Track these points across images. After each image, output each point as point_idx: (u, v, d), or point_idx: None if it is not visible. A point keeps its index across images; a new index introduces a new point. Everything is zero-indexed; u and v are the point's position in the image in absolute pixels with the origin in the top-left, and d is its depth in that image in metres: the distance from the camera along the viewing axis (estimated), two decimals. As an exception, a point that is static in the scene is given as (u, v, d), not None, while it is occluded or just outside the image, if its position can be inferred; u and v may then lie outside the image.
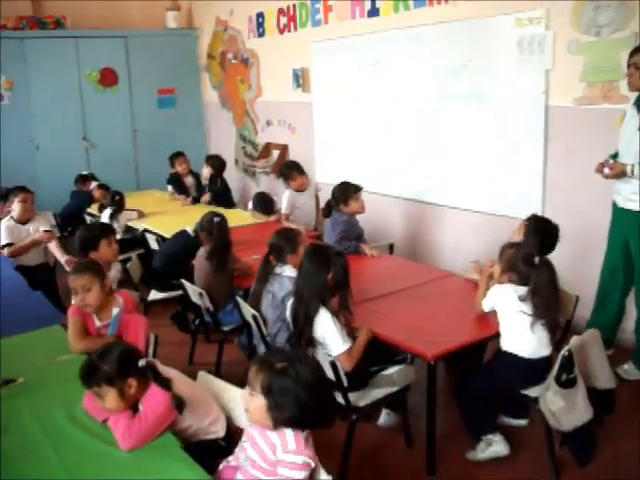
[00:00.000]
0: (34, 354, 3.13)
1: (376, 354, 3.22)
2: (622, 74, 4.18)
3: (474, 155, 5.35)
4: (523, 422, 3.57)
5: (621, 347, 4.28)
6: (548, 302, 3.01)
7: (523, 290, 3.06)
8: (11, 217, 5.25)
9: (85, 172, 7.66)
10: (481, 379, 3.24)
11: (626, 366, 4.09)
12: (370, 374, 3.20)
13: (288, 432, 2.05)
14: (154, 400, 2.32)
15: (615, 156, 3.94)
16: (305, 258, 3.20)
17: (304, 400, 2.00)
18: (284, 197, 5.81)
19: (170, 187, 7.29)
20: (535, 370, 3.09)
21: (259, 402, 2.05)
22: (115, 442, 2.28)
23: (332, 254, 3.16)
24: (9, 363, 3.01)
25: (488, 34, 5.10)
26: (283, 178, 5.91)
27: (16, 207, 5.22)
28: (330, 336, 3.03)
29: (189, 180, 7.34)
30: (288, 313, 3.28)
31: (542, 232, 3.58)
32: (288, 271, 3.65)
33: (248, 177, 8.46)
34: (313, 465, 2.03)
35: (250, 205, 6.03)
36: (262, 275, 3.73)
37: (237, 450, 2.27)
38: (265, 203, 5.89)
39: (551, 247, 3.55)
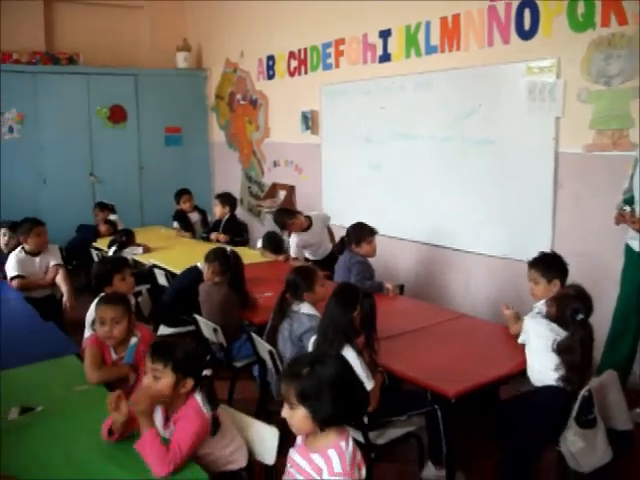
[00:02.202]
0: (51, 383, 3.11)
1: (400, 402, 3.23)
2: (631, 122, 4.27)
3: (484, 199, 5.41)
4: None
5: (632, 390, 4.26)
6: (573, 363, 3.02)
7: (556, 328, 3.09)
8: (22, 249, 5.25)
9: (106, 201, 7.70)
10: (525, 420, 3.17)
11: (638, 410, 4.08)
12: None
13: (333, 455, 2.05)
14: (190, 420, 2.33)
15: (628, 201, 3.99)
16: (333, 296, 3.21)
17: (337, 394, 2.05)
18: (292, 241, 5.77)
19: (176, 223, 7.33)
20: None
21: (300, 413, 2.08)
22: (139, 471, 2.26)
23: (360, 294, 3.18)
24: (26, 392, 3.00)
25: (499, 81, 5.20)
26: (280, 227, 5.89)
27: (32, 240, 5.22)
28: None
29: (194, 216, 7.39)
30: (310, 349, 3.27)
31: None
32: (305, 308, 3.66)
33: (253, 216, 8.51)
34: None
35: (259, 244, 6.05)
36: (278, 312, 3.74)
37: (284, 477, 2.26)
38: (275, 242, 5.90)
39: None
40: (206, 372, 2.45)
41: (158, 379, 2.36)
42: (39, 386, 3.09)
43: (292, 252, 5.76)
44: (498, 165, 5.27)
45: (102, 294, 3.76)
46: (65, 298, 5.14)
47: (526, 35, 4.96)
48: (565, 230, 4.86)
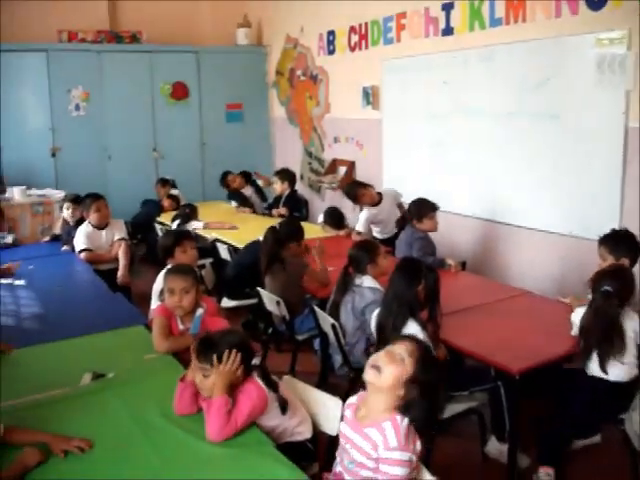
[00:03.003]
0: (121, 352, 3.22)
1: (463, 377, 3.22)
2: None
3: (549, 175, 5.28)
4: (597, 438, 3.47)
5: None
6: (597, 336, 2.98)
7: None
8: (89, 223, 5.40)
9: (168, 177, 7.91)
10: (571, 409, 3.15)
11: None
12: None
13: (388, 427, 2.06)
14: (249, 396, 2.36)
15: None
16: (397, 270, 3.22)
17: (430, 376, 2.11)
18: (362, 216, 5.74)
19: (233, 202, 7.48)
20: (622, 393, 3.02)
21: (406, 369, 2.11)
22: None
23: (424, 268, 3.17)
24: (99, 358, 3.12)
25: (566, 54, 5.05)
26: (352, 200, 5.87)
27: (93, 215, 5.37)
28: None
29: (247, 190, 7.57)
30: (373, 323, 3.29)
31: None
32: (368, 282, 3.68)
33: (313, 192, 8.53)
34: (414, 462, 2.04)
35: (320, 219, 6.08)
36: (341, 286, 3.77)
37: (339, 454, 2.28)
38: (336, 218, 5.92)
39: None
40: (255, 361, 2.48)
41: (207, 377, 2.39)
42: (110, 354, 3.20)
43: (359, 226, 5.71)
44: (564, 140, 5.14)
45: (169, 266, 3.86)
46: (120, 272, 5.26)
47: (595, 6, 4.79)
48: (633, 207, 4.71)
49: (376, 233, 5.89)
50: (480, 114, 5.84)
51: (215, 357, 2.36)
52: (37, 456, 2.20)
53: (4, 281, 4.68)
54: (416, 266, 3.21)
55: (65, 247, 5.58)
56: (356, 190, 5.80)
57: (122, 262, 5.29)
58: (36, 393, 2.77)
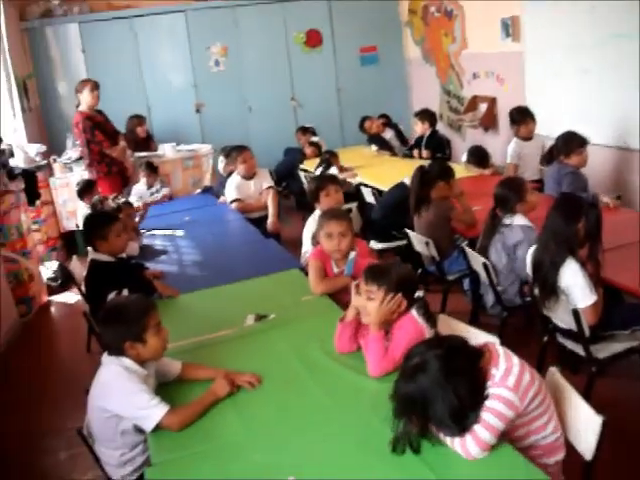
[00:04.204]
0: (280, 294, 3.38)
1: (623, 315, 3.11)
2: None
3: None
4: None
5: None
6: None
7: None
8: (237, 174, 5.61)
9: (307, 125, 8.07)
10: None
11: None
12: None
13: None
14: (407, 331, 2.42)
15: None
16: (555, 207, 3.12)
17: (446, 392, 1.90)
18: (510, 147, 5.60)
19: (373, 146, 7.47)
20: None
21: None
22: (364, 372, 2.43)
23: (585, 204, 3.05)
24: (259, 301, 3.30)
25: None
26: (512, 123, 5.68)
27: (240, 167, 5.57)
28: (577, 287, 2.95)
29: (387, 133, 7.52)
30: (528, 261, 3.23)
31: None
32: (518, 220, 3.60)
33: (453, 131, 8.35)
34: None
35: (464, 157, 5.97)
36: (490, 229, 3.72)
37: None
38: (481, 157, 5.79)
39: None
40: (419, 293, 2.51)
41: (371, 300, 2.46)
42: (269, 296, 3.37)
43: (509, 158, 5.58)
44: None
45: (317, 210, 3.96)
46: (270, 219, 5.43)
47: None
48: None
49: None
50: (632, 38, 5.42)
51: (382, 283, 2.44)
52: (227, 387, 2.38)
53: (165, 232, 5.01)
54: (576, 203, 3.09)
55: (221, 198, 5.84)
56: (526, 117, 5.59)
57: (271, 210, 5.46)
58: (205, 334, 2.98)
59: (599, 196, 4.41)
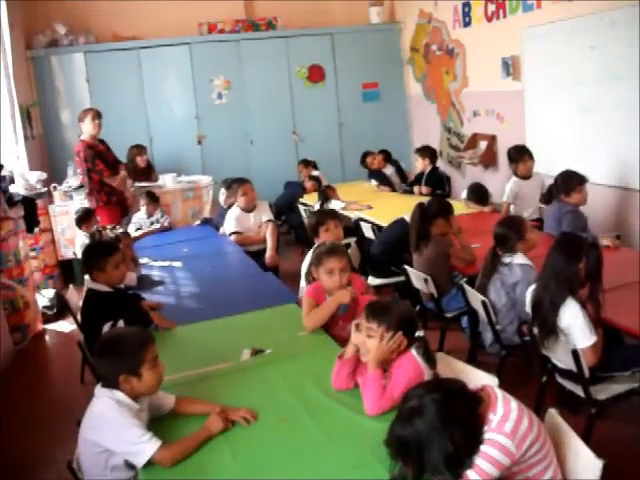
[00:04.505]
0: (277, 329, 3.35)
1: (623, 357, 3.09)
2: None
3: None
4: None
5: None
6: None
7: None
8: (237, 206, 5.62)
9: (309, 158, 8.12)
10: None
11: None
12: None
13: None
14: (405, 370, 2.39)
15: None
16: (556, 246, 3.12)
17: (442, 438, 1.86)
18: (508, 185, 5.63)
19: (373, 181, 7.51)
20: None
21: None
22: (361, 411, 2.39)
23: (586, 244, 3.05)
24: (256, 335, 3.27)
25: None
26: (511, 161, 5.70)
27: (240, 199, 5.58)
28: (577, 327, 2.94)
29: (388, 170, 7.57)
30: (528, 300, 3.22)
31: None
32: (518, 259, 3.60)
33: (453, 168, 8.39)
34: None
35: (464, 195, 5.99)
36: (489, 267, 3.71)
37: None
38: (481, 194, 5.80)
39: None
40: (419, 333, 2.50)
41: (371, 337, 2.44)
42: (265, 331, 3.35)
43: (505, 196, 5.59)
44: None
45: (317, 245, 3.94)
46: (268, 252, 5.42)
47: None
48: None
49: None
50: (632, 79, 5.48)
51: (383, 321, 2.43)
52: (221, 424, 2.34)
53: (163, 263, 5.00)
54: (577, 242, 3.09)
55: (221, 230, 5.83)
56: (523, 155, 5.61)
57: (270, 243, 5.46)
58: (200, 367, 2.94)
59: (599, 238, 4.42)
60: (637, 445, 3.27)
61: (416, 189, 6.70)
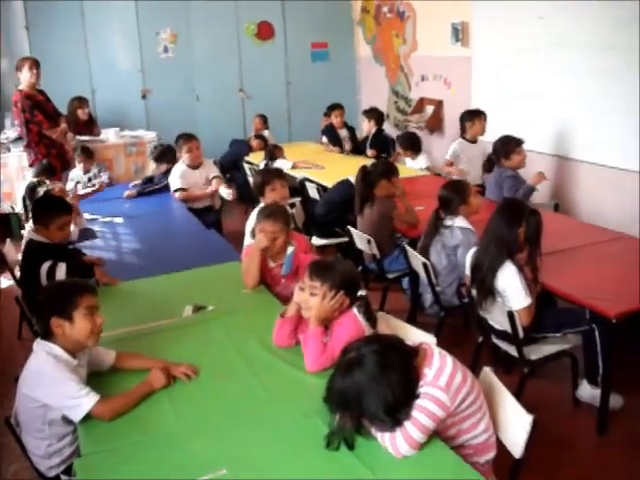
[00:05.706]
0: (220, 286, 3.35)
1: (556, 319, 3.20)
2: None
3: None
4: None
5: None
6: None
7: None
8: (183, 162, 5.53)
9: (263, 114, 7.99)
10: None
11: None
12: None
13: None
14: (346, 328, 2.43)
15: None
16: (498, 211, 3.18)
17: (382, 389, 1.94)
18: (452, 146, 5.68)
19: (325, 138, 7.42)
20: None
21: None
22: (303, 368, 2.44)
23: (526, 210, 3.12)
24: (199, 292, 3.25)
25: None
26: (464, 121, 5.68)
27: (185, 155, 5.50)
28: (513, 289, 3.02)
29: (343, 132, 7.46)
30: (467, 263, 3.28)
31: None
32: (459, 222, 3.66)
33: (399, 132, 8.40)
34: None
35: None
36: (432, 229, 3.77)
37: None
38: (411, 141, 5.89)
39: None
40: (361, 292, 2.53)
41: (314, 295, 2.46)
42: (208, 288, 3.34)
43: (448, 155, 5.63)
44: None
45: (261, 205, 3.93)
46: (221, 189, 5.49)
47: None
48: None
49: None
50: (577, 48, 5.56)
51: (326, 280, 2.44)
52: (163, 379, 2.35)
53: (104, 219, 4.90)
54: (518, 208, 3.16)
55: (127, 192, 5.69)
56: (476, 114, 5.68)
57: (224, 193, 5.52)
58: (142, 323, 2.93)
59: (534, 186, 4.56)
60: (565, 402, 3.41)
61: (370, 152, 6.68)
